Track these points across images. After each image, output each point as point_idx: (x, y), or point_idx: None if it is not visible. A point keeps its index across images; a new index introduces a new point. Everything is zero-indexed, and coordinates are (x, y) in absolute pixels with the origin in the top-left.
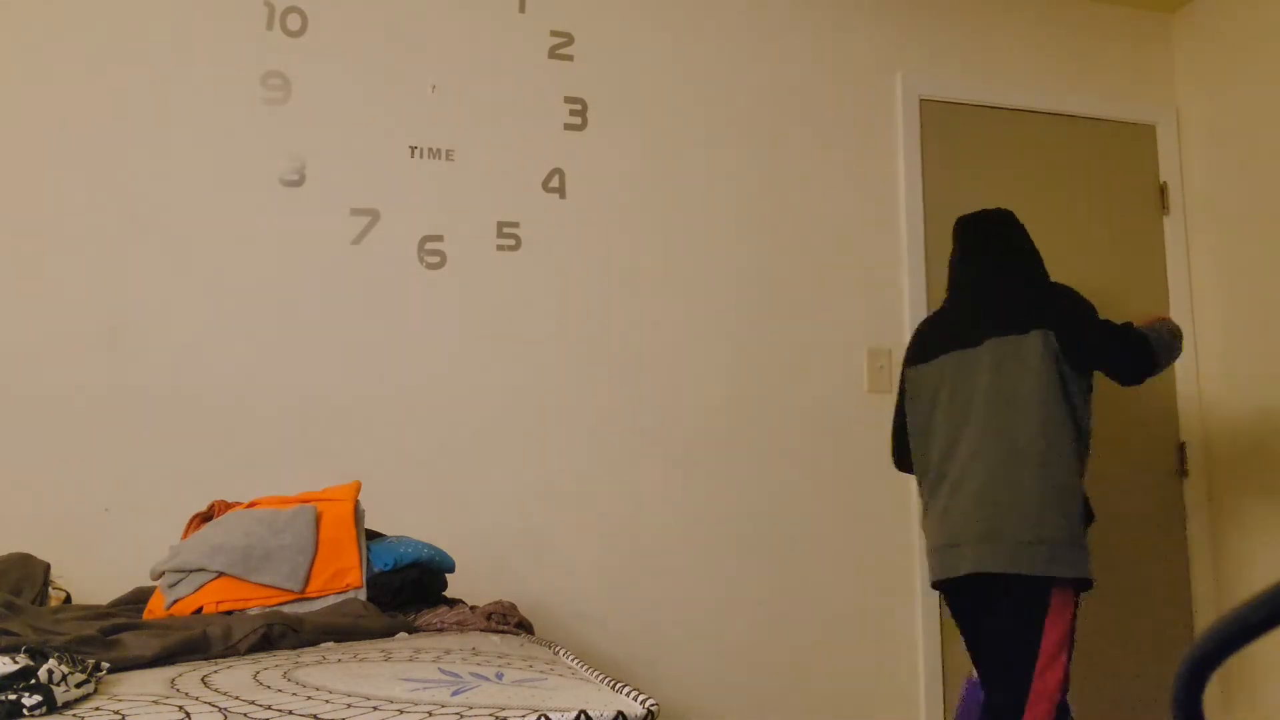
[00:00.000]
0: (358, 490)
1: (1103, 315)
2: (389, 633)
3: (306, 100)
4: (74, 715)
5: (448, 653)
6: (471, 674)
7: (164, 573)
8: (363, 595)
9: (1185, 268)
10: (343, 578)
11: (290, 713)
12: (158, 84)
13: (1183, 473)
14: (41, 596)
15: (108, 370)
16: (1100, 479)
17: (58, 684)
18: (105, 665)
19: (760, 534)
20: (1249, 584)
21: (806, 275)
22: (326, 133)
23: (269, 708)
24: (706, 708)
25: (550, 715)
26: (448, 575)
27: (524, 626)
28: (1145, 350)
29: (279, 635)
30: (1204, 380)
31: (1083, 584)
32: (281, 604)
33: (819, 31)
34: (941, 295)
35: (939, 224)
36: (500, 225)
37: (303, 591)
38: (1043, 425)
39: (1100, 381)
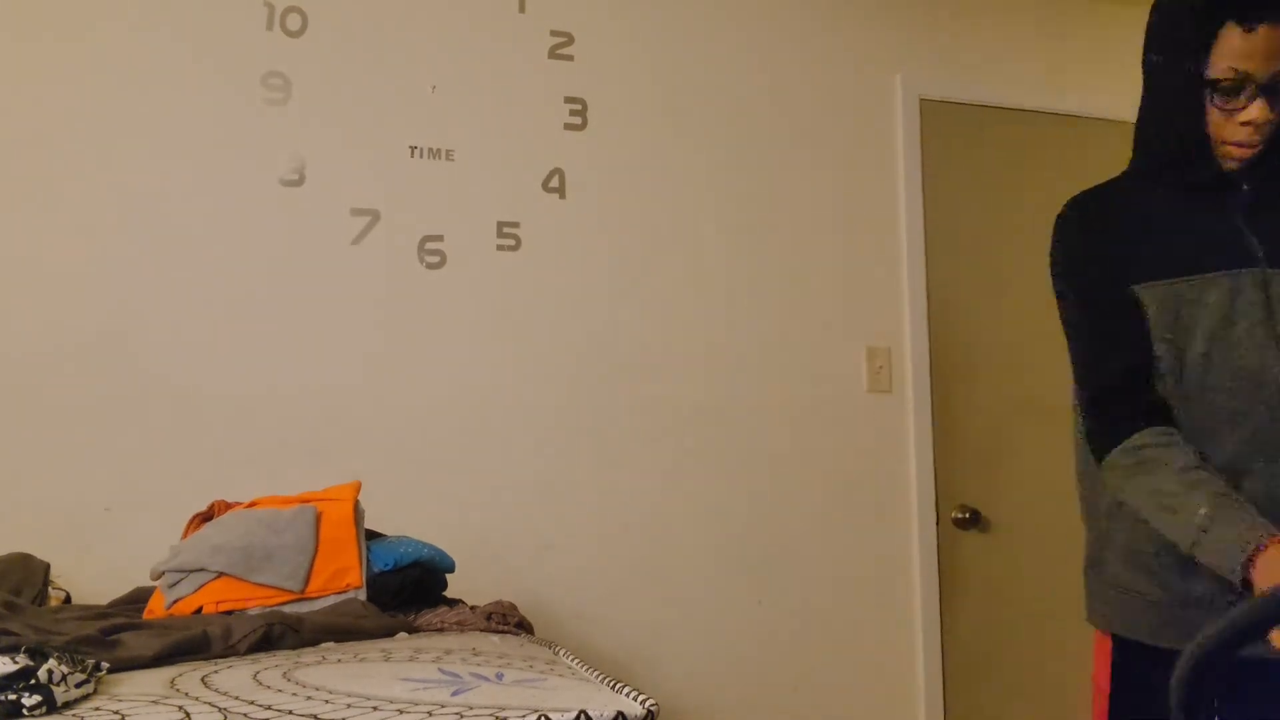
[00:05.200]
0: (358, 490)
1: None
2: (389, 633)
3: (306, 100)
4: (74, 715)
5: (448, 653)
6: (471, 674)
7: (164, 573)
8: (363, 595)
9: None
10: (343, 578)
11: (290, 713)
12: (157, 84)
13: None
14: (41, 596)
15: (108, 370)
16: None
17: (58, 684)
18: (105, 665)
19: (760, 534)
20: None
21: (806, 275)
22: (326, 133)
23: (269, 708)
24: (706, 708)
25: (550, 715)
26: (448, 575)
27: (524, 626)
28: None
29: (279, 635)
30: None
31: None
32: (281, 604)
33: (819, 31)
34: (941, 295)
35: (939, 224)
36: (500, 225)
37: (303, 591)
38: None
39: None
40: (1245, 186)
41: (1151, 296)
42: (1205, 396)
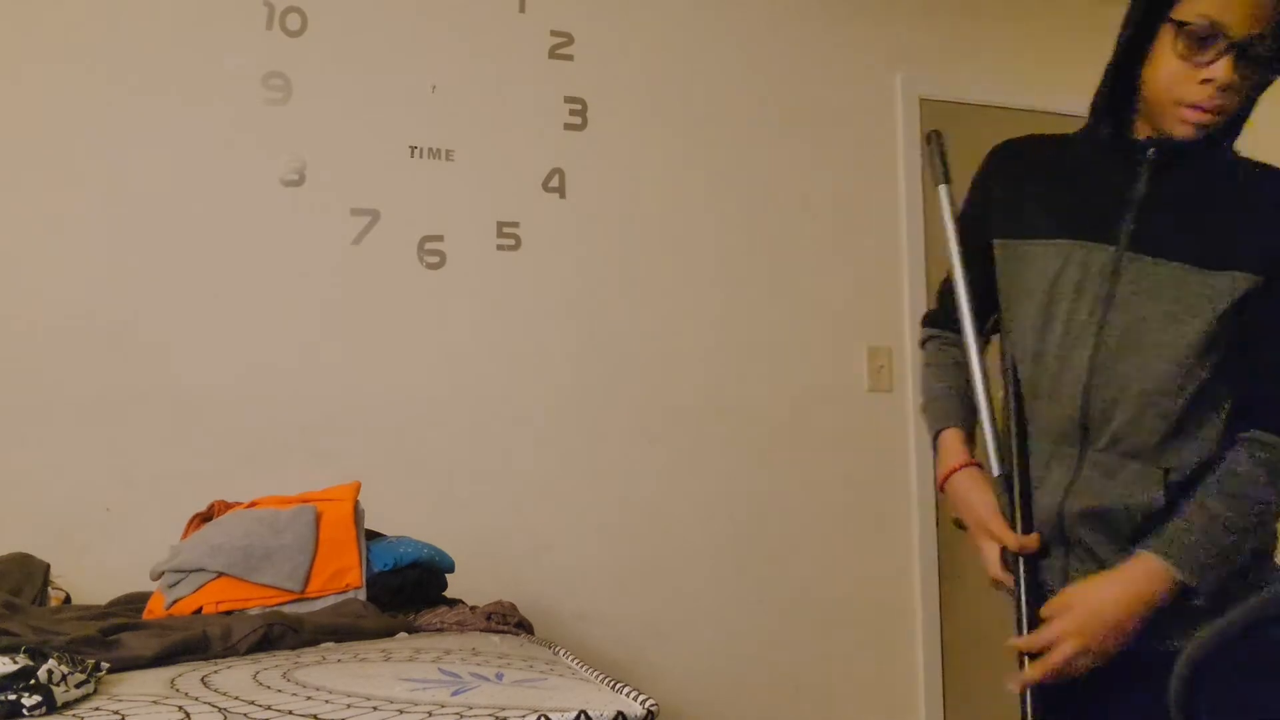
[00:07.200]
0: (358, 490)
1: None
2: (389, 633)
3: (306, 100)
4: (74, 715)
5: (448, 653)
6: (471, 674)
7: (164, 573)
8: (363, 595)
9: None
10: (343, 577)
11: (290, 713)
12: (157, 84)
13: None
14: (41, 596)
15: (108, 370)
16: None
17: (57, 684)
18: (105, 665)
19: (761, 534)
20: None
21: (806, 274)
22: (326, 133)
23: (269, 708)
24: (706, 708)
25: (550, 715)
26: (448, 575)
27: (524, 626)
28: None
29: (279, 635)
30: None
31: None
32: (281, 604)
33: (819, 31)
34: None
35: (939, 224)
36: (500, 225)
37: (303, 591)
38: None
39: None
40: (1151, 152)
41: (1000, 254)
42: (1033, 364)
